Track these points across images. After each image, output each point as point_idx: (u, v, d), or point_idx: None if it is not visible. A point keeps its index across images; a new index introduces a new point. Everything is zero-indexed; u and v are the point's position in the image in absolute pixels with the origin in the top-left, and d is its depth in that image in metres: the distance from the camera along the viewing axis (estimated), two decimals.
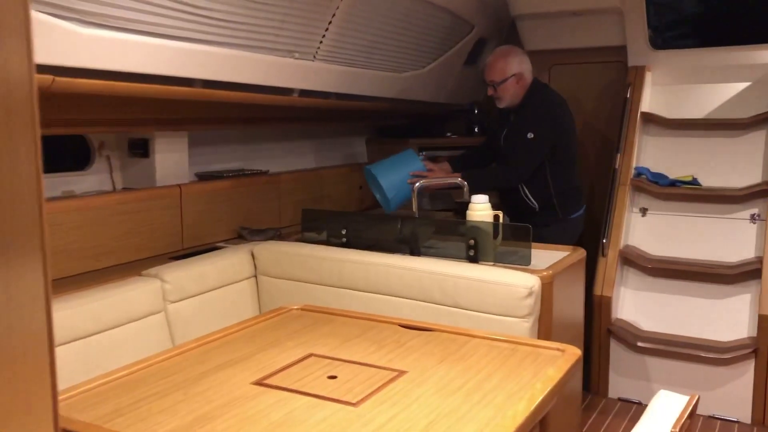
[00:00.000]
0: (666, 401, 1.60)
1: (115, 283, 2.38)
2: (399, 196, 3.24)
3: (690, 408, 1.53)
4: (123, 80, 2.29)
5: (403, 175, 3.24)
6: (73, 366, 2.08)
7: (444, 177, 3.26)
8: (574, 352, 1.84)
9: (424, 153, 3.85)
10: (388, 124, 4.69)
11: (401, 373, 1.71)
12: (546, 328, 2.49)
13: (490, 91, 3.25)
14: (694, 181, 3.57)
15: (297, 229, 3.34)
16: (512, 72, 3.17)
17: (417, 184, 3.08)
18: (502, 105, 3.25)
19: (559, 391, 1.68)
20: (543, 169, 3.20)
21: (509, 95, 3.20)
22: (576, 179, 3.38)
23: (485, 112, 4.62)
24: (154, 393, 1.62)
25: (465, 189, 2.95)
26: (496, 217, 2.71)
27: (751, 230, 3.38)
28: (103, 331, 2.22)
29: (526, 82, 3.21)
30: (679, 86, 3.81)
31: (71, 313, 2.13)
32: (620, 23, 3.87)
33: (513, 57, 3.20)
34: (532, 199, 3.23)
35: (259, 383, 1.65)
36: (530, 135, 3.10)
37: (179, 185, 2.98)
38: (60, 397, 1.54)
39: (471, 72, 4.54)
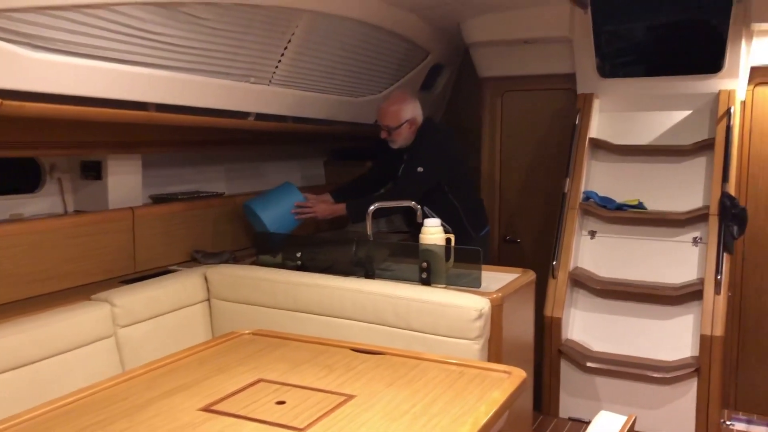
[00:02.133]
0: (605, 421, 1.66)
1: (64, 307, 2.35)
2: (282, 230, 3.29)
3: (627, 428, 1.59)
4: (75, 104, 2.29)
5: (284, 209, 3.30)
6: (20, 393, 2.04)
7: (329, 209, 3.39)
8: (519, 375, 1.89)
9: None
10: (346, 147, 4.74)
11: (350, 397, 1.73)
12: (496, 349, 2.55)
13: (383, 134, 3.39)
14: (640, 205, 3.68)
15: (252, 252, 3.34)
16: (406, 118, 3.34)
17: (371, 207, 3.10)
18: (395, 146, 3.42)
19: (503, 413, 1.72)
20: (445, 195, 3.39)
21: (402, 138, 3.38)
22: (479, 197, 3.66)
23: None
24: (98, 421, 1.60)
25: (418, 212, 2.99)
26: (448, 240, 2.76)
27: (694, 253, 3.51)
28: (50, 357, 2.20)
29: (417, 125, 3.40)
30: (626, 113, 3.95)
31: (17, 338, 2.10)
32: (570, 52, 4.00)
33: (407, 104, 3.36)
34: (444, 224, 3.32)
35: (207, 409, 1.65)
36: (420, 169, 3.30)
37: (132, 208, 2.97)
38: (0, 427, 1.53)
39: (427, 97, 4.62)
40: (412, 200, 3.10)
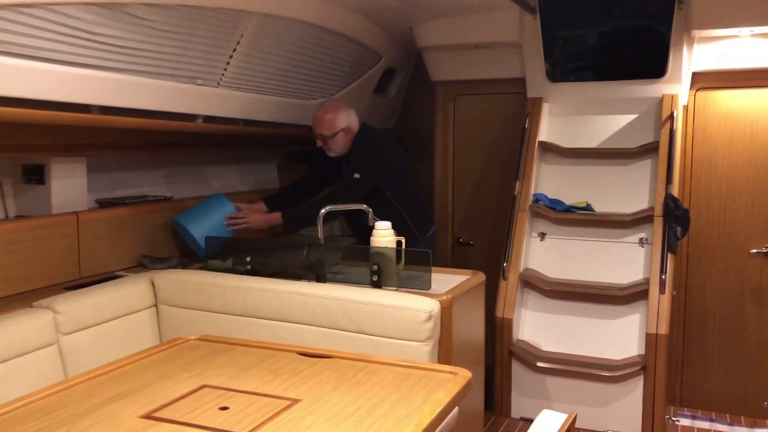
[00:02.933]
0: (547, 420, 1.69)
1: (4, 315, 2.28)
2: None
3: (567, 425, 1.61)
4: (15, 106, 2.22)
5: (215, 222, 3.23)
6: None
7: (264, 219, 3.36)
8: (465, 375, 1.91)
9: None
10: (300, 150, 4.71)
11: (294, 401, 1.72)
12: (446, 350, 2.57)
13: (319, 143, 3.37)
14: (588, 207, 3.76)
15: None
16: (341, 126, 3.33)
17: (322, 211, 3.09)
18: (332, 155, 3.40)
19: (447, 413, 1.74)
20: (388, 200, 3.38)
21: (338, 147, 3.37)
22: (422, 199, 3.68)
23: (397, 137, 4.73)
24: (36, 430, 1.56)
25: (369, 215, 2.99)
26: (398, 243, 2.78)
27: (640, 253, 3.59)
28: None
29: (353, 133, 3.38)
30: (574, 117, 4.03)
31: None
32: (520, 57, 4.07)
33: (341, 112, 3.34)
34: None
35: (148, 416, 1.62)
36: (356, 175, 3.31)
37: (76, 213, 2.90)
38: None
39: (381, 100, 4.64)
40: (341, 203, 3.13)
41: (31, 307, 2.42)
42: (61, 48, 2.26)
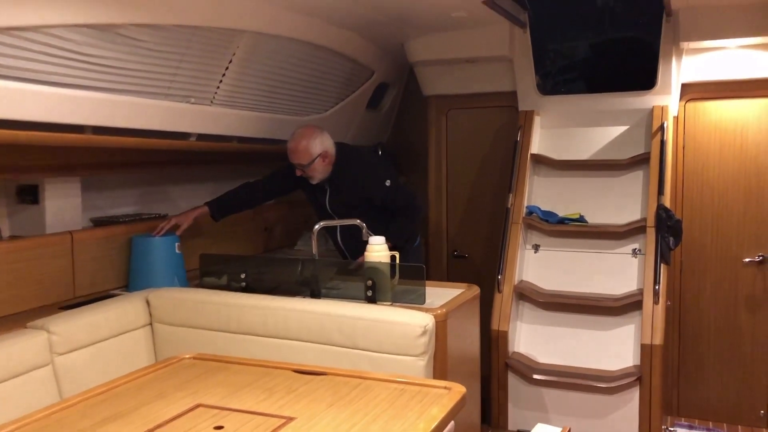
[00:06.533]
0: None
1: None
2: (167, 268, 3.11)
3: None
4: (8, 128, 2.24)
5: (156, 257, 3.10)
6: None
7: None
8: (459, 390, 1.92)
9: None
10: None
11: (289, 419, 1.73)
12: (441, 365, 2.57)
13: (298, 172, 3.29)
14: (581, 219, 3.78)
15: (197, 274, 3.30)
16: (317, 153, 3.22)
17: (316, 227, 3.09)
18: (314, 182, 3.33)
19: (443, 428, 1.74)
20: (377, 210, 3.32)
21: (319, 173, 3.28)
22: None
23: (390, 153, 4.76)
24: None
25: (364, 230, 3.01)
26: (392, 257, 2.79)
27: (634, 264, 3.61)
28: None
29: (331, 157, 3.30)
30: (566, 129, 4.06)
31: None
32: (511, 70, 4.10)
33: (314, 139, 3.23)
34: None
35: None
36: (388, 182, 3.32)
37: (71, 232, 2.90)
38: None
39: (374, 115, 4.67)
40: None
41: (26, 327, 2.41)
42: (54, 70, 2.27)
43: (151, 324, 2.78)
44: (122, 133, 2.71)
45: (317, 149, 3.23)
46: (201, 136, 3.14)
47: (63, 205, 2.95)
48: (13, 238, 2.84)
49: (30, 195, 2.87)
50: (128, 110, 2.65)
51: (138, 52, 2.51)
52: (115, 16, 2.29)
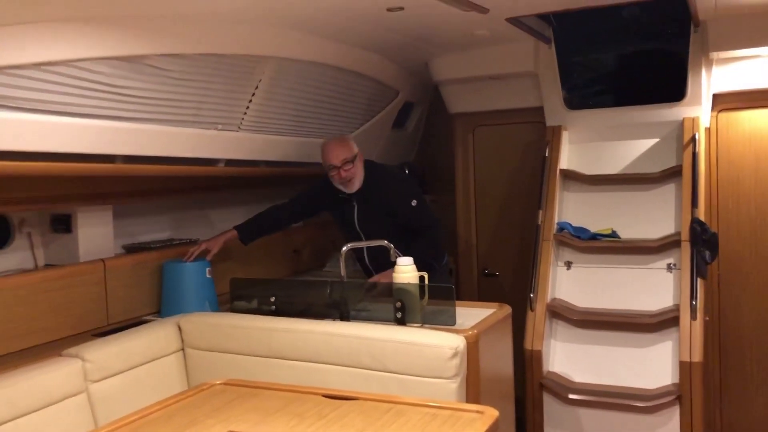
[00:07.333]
0: None
1: (33, 365, 2.31)
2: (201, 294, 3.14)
3: None
4: (42, 160, 2.29)
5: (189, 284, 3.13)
6: None
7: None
8: (492, 414, 1.88)
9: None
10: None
11: None
12: (474, 387, 2.53)
13: (342, 173, 3.21)
14: (614, 234, 3.72)
15: (227, 299, 3.31)
16: (356, 150, 3.26)
17: (344, 248, 3.07)
18: (354, 188, 3.28)
19: None
20: (403, 229, 3.28)
21: (359, 173, 3.27)
22: None
23: (417, 172, 4.75)
24: None
25: (391, 250, 2.98)
26: (421, 278, 2.76)
27: (669, 279, 3.53)
28: (19, 417, 2.15)
29: (362, 163, 3.31)
30: (595, 143, 4.00)
31: None
32: (537, 86, 4.07)
33: (350, 140, 3.31)
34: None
35: None
36: (414, 202, 3.28)
37: (103, 260, 2.95)
38: None
39: (400, 134, 4.68)
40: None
41: (60, 356, 2.45)
42: (84, 102, 2.32)
43: (183, 349, 2.80)
44: (152, 161, 2.76)
45: (355, 148, 3.28)
46: (229, 162, 3.18)
47: (95, 233, 3.00)
48: (47, 266, 2.89)
49: (63, 224, 2.92)
50: (157, 139, 2.69)
51: (165, 82, 2.55)
52: (142, 47, 2.34)
